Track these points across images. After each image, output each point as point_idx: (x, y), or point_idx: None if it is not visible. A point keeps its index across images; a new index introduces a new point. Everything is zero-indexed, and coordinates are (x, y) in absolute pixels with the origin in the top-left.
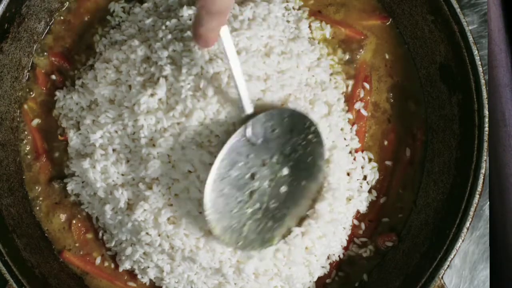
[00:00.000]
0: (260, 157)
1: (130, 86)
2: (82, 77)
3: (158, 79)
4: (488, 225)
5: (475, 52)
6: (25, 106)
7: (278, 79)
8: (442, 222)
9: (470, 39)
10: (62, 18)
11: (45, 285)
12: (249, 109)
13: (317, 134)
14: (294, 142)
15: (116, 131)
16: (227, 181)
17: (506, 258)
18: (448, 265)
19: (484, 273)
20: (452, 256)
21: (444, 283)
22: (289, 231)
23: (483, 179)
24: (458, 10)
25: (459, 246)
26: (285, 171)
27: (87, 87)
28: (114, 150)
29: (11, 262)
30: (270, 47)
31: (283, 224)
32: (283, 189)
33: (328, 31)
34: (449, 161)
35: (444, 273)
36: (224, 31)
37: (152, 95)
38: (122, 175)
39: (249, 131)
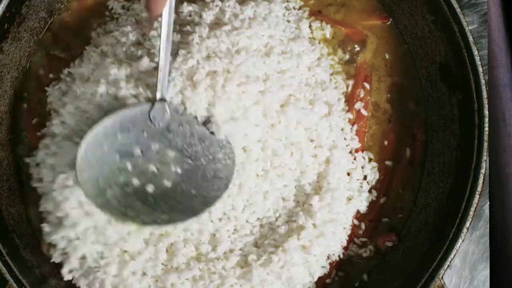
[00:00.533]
0: (156, 140)
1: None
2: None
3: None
4: (488, 225)
5: (475, 52)
6: (25, 105)
7: (278, 79)
8: (442, 222)
9: (470, 39)
10: (61, 17)
11: (45, 285)
12: (161, 93)
13: (231, 157)
14: (200, 151)
15: (76, 108)
16: (110, 140)
17: (506, 258)
18: (448, 265)
19: (484, 273)
20: (452, 256)
21: (444, 283)
22: (154, 222)
23: (483, 179)
24: (458, 10)
25: (459, 246)
26: (177, 170)
27: (72, 75)
28: (64, 137)
29: (11, 262)
30: (271, 47)
31: (152, 215)
32: (166, 183)
33: (328, 31)
34: (449, 161)
35: (444, 273)
36: (169, 7)
37: (126, 68)
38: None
39: (154, 111)
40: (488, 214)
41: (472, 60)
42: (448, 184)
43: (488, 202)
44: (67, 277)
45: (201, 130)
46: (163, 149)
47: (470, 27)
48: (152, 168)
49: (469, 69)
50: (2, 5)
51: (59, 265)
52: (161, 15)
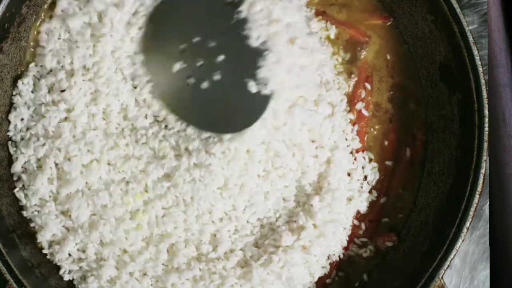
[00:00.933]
0: (215, 38)
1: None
2: None
3: None
4: (488, 225)
5: (475, 52)
6: None
7: (295, 76)
8: (442, 222)
9: (470, 39)
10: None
11: (45, 285)
12: None
13: (266, 99)
14: (246, 73)
15: None
16: (180, 14)
17: (506, 258)
18: (448, 265)
19: (484, 273)
20: (452, 256)
21: (444, 283)
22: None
23: (483, 179)
24: (458, 10)
25: (459, 246)
26: (217, 76)
27: None
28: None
29: (11, 262)
30: (294, 36)
31: (181, 104)
32: (203, 83)
33: (333, 31)
34: (449, 161)
35: (444, 273)
36: None
37: None
38: None
39: (229, 8)
40: (488, 214)
41: (472, 60)
42: (448, 184)
43: (488, 202)
44: (67, 277)
45: (257, 56)
46: (216, 50)
47: (470, 27)
48: (199, 62)
49: (469, 69)
50: (2, 5)
51: (59, 266)
52: None
